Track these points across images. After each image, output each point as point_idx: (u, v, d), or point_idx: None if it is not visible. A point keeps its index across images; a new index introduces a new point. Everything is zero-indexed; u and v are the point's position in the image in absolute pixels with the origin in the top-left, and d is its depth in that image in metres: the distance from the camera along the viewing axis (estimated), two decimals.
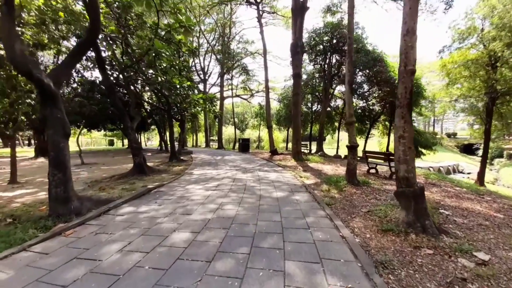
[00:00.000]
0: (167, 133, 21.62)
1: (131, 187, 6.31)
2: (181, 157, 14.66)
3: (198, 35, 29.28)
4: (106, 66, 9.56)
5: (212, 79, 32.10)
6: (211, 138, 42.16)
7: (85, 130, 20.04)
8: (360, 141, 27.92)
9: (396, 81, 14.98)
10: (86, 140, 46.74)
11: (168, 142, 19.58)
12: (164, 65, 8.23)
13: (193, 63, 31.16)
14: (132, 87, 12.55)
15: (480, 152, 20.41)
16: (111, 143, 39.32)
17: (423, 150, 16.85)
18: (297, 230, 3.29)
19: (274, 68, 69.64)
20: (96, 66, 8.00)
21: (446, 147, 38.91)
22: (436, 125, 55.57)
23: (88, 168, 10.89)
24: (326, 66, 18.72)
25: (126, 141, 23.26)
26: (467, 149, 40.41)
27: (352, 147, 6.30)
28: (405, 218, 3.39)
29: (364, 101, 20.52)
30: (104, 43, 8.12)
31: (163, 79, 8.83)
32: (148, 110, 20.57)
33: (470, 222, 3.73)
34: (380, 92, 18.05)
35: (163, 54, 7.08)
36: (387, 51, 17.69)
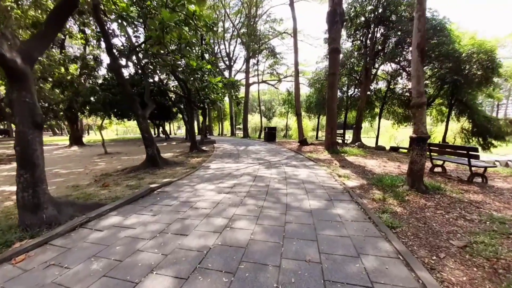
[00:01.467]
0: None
1: (137, 184, 5.46)
2: (203, 147, 13.89)
3: (223, 18, 27.87)
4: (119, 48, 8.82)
5: (238, 65, 30.80)
6: (238, 126, 41.57)
7: (113, 119, 20.50)
8: (406, 130, 24.29)
9: (463, 54, 11.81)
10: (122, 129, 50.05)
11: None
12: (176, 43, 7.12)
13: (219, 49, 30.10)
14: (151, 73, 11.88)
15: None
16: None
17: (494, 142, 13.47)
18: None
19: (305, 49, 64.83)
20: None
21: None
22: (500, 110, 46.76)
23: (108, 159, 10.65)
24: (368, 41, 15.89)
25: (160, 130, 23.89)
26: None
27: (420, 140, 4.46)
28: None
29: None
30: (116, 24, 7.27)
31: (176, 60, 7.78)
32: (172, 98, 20.27)
33: None
34: (437, 69, 14.75)
35: (172, 28, 5.92)
36: (452, 18, 14.14)
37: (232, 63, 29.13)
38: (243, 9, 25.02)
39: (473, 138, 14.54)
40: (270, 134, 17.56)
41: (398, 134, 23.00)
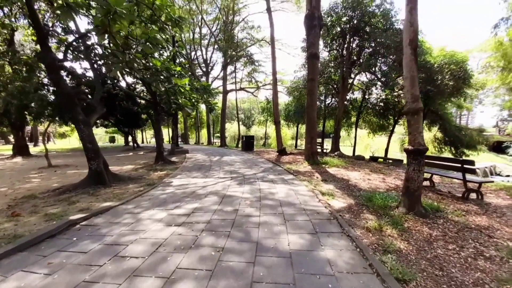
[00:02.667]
0: (168, 130, 19.47)
1: (61, 212, 4.06)
2: (173, 158, 12.44)
3: (200, 24, 26.95)
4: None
5: (216, 72, 29.80)
6: (216, 135, 40.05)
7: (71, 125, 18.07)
8: (381, 139, 24.87)
9: (435, 65, 12.02)
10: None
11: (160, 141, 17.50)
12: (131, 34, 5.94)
13: (195, 56, 28.94)
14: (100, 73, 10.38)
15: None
16: (111, 140, 37.87)
17: (466, 151, 13.87)
18: None
19: (283, 58, 65.89)
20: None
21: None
22: (461, 120, 51.05)
23: (49, 173, 8.80)
24: (344, 51, 15.91)
25: (130, 138, 21.38)
26: (497, 147, 36.41)
27: (417, 153, 3.74)
28: None
29: (389, 92, 17.59)
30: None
31: (136, 58, 6.55)
32: (140, 104, 18.52)
33: None
34: None
35: (120, 14, 4.77)
36: (423, 30, 14.69)
37: (209, 70, 28.06)
38: (220, 16, 24.35)
39: (446, 148, 14.92)
40: (247, 144, 16.57)
41: (374, 143, 23.43)
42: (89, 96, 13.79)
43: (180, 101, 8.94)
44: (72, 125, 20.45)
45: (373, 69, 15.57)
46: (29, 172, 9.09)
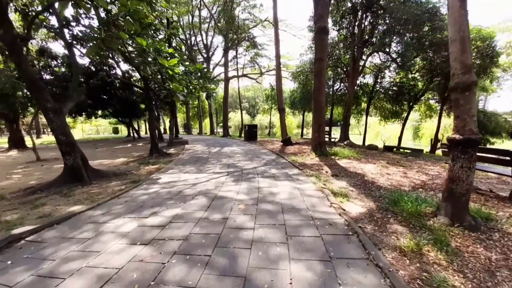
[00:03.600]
0: (168, 119, 18.68)
1: (20, 219, 3.36)
2: (170, 149, 11.71)
3: (199, 5, 25.34)
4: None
5: (217, 58, 28.43)
6: (220, 124, 39.13)
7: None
8: (392, 126, 23.40)
9: None
10: (90, 128, 45.68)
11: (157, 131, 16.70)
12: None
13: (195, 41, 27.53)
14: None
15: None
16: (115, 131, 37.51)
17: (491, 138, 12.57)
18: None
19: (288, 41, 62.57)
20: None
21: None
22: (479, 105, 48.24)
23: (34, 168, 8.19)
24: (356, 29, 14.40)
25: (132, 128, 20.72)
26: None
27: (469, 143, 2.73)
28: None
29: (404, 74, 16.11)
30: None
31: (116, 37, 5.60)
32: (138, 93, 17.67)
33: None
34: (428, 60, 13.60)
35: None
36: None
37: (210, 55, 26.73)
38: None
39: None
40: (250, 133, 15.65)
41: (385, 131, 22.11)
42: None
43: (171, 86, 8.02)
44: (74, 116, 19.93)
45: (388, 49, 14.08)
46: (15, 167, 8.51)
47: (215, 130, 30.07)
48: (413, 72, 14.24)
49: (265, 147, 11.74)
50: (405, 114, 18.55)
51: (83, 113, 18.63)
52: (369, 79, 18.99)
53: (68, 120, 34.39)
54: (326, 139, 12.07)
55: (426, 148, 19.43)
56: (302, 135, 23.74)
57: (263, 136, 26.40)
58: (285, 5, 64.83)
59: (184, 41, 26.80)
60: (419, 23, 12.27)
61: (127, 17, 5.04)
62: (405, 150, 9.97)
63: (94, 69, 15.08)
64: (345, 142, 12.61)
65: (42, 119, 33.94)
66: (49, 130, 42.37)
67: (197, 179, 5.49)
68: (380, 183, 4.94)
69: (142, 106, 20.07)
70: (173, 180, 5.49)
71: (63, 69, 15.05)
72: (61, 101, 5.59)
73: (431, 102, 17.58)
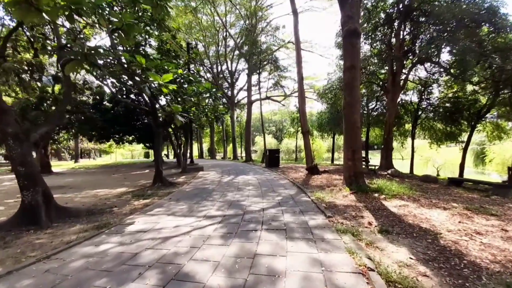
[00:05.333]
0: (187, 144, 18.22)
1: None
2: (181, 177, 10.59)
3: (224, 35, 26.30)
4: None
5: (241, 82, 28.53)
6: (253, 149, 38.21)
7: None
8: (448, 150, 19.41)
9: None
10: (127, 153, 48.71)
11: (174, 156, 15.86)
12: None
13: (220, 69, 28.23)
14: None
15: None
16: (146, 155, 39.23)
17: None
18: None
19: (315, 62, 61.57)
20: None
21: None
22: None
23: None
24: (393, 39, 12.52)
25: (164, 152, 20.81)
26: None
27: None
28: None
29: (460, 87, 13.25)
30: None
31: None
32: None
33: None
34: (493, 69, 10.81)
35: None
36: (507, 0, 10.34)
37: (234, 80, 26.86)
38: (243, 22, 23.07)
39: None
40: (271, 159, 13.93)
41: (437, 156, 18.32)
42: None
43: (171, 107, 7.01)
44: (101, 142, 20.81)
45: (437, 58, 11.72)
46: (15, 196, 8.04)
47: (239, 155, 29.03)
48: (474, 84, 11.43)
49: (286, 176, 9.85)
50: (463, 136, 15.11)
51: (110, 139, 19.25)
52: (412, 96, 16.31)
53: (102, 146, 37.14)
54: (363, 167, 9.73)
55: (500, 178, 15.24)
56: (332, 160, 21.12)
57: (289, 161, 24.36)
58: (311, 28, 65.04)
59: (210, 69, 27.67)
60: (476, 25, 9.96)
61: (119, 31, 4.12)
62: (480, 184, 7.14)
63: (120, 96, 15.52)
64: (389, 171, 10.04)
65: (85, 145, 37.04)
66: (90, 153, 46.36)
67: (176, 228, 3.90)
68: (473, 255, 2.76)
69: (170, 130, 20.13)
70: (145, 228, 3.99)
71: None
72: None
73: (500, 120, 13.99)
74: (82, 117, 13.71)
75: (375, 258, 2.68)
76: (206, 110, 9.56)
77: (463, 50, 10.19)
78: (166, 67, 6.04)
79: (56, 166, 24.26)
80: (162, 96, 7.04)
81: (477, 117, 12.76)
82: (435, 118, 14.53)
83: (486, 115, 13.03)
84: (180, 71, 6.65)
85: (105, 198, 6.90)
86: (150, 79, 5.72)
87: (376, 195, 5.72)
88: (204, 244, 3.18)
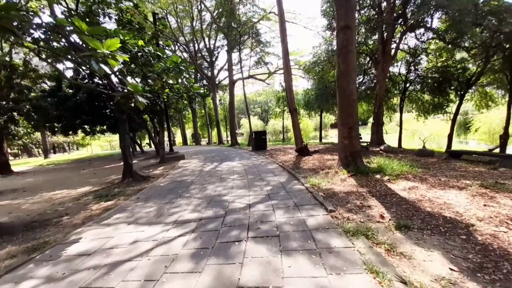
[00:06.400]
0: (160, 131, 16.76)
1: None
2: (160, 167, 9.45)
3: (199, 8, 23.69)
4: None
5: (222, 61, 26.49)
6: (239, 132, 36.95)
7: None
8: (433, 122, 19.36)
9: None
10: (102, 144, 45.80)
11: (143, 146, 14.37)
12: None
13: (198, 47, 25.85)
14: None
15: None
16: None
17: None
18: None
19: (299, 36, 57.84)
20: None
21: None
22: None
23: None
24: (384, 3, 11.40)
25: (134, 143, 18.93)
26: None
27: None
28: None
29: (450, 55, 12.66)
30: None
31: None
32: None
33: None
34: (485, 33, 10.14)
35: None
36: None
37: (214, 59, 24.83)
38: None
39: None
40: (258, 141, 12.99)
41: (424, 129, 18.29)
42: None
43: (128, 86, 5.66)
44: (67, 134, 18.66)
45: (430, 24, 10.85)
46: None
47: (224, 139, 27.85)
48: (467, 49, 10.80)
49: (275, 160, 9.01)
50: (451, 107, 14.90)
51: (78, 130, 17.26)
52: (400, 68, 15.65)
53: (75, 138, 34.29)
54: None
55: (486, 146, 15.48)
56: (320, 139, 20.60)
57: (276, 142, 23.63)
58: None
59: (186, 47, 25.23)
60: None
61: None
62: (484, 156, 6.68)
63: (78, 80, 13.46)
64: (382, 147, 9.50)
65: (55, 138, 33.92)
66: (61, 148, 42.82)
67: (133, 245, 2.92)
68: None
69: (146, 117, 18.30)
70: (91, 248, 2.98)
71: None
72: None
73: (488, 89, 13.79)
74: (27, 106, 11.74)
75: (406, 278, 1.89)
76: (181, 90, 8.22)
77: (459, 11, 9.38)
78: (120, 37, 4.63)
79: (23, 164, 21.93)
80: (118, 73, 5.67)
81: (467, 86, 12.39)
82: (424, 90, 14.05)
83: (476, 83, 12.69)
84: (141, 42, 5.24)
85: (59, 202, 5.71)
86: (97, 50, 4.27)
87: (378, 176, 5.01)
88: (167, 272, 2.25)
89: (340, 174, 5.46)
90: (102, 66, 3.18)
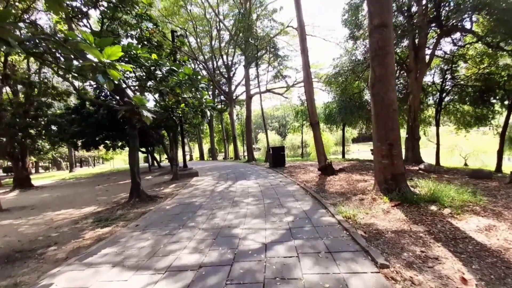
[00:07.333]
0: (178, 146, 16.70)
1: None
2: (171, 185, 8.87)
3: (218, 27, 24.40)
4: None
5: (239, 77, 26.63)
6: (256, 147, 36.43)
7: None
8: (474, 136, 17.16)
9: None
10: (125, 158, 47.48)
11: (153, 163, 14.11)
12: None
13: (216, 64, 26.36)
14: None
15: None
16: (146, 160, 37.81)
17: None
18: None
19: (317, 49, 55.53)
20: None
21: None
22: None
23: None
24: (415, 7, 10.44)
25: (152, 158, 19.16)
26: None
27: None
28: None
29: (493, 61, 11.13)
30: None
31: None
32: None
33: None
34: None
35: None
36: None
37: (231, 75, 25.01)
38: (239, 12, 21.08)
39: None
40: (276, 158, 12.08)
41: (464, 144, 16.16)
42: None
43: (134, 100, 5.21)
44: (88, 150, 19.22)
45: (469, 26, 9.64)
46: None
47: (240, 154, 27.25)
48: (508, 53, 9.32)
49: (295, 179, 8.01)
50: (497, 119, 13.01)
51: (100, 145, 17.68)
52: (434, 76, 14.17)
53: (100, 152, 35.86)
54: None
55: None
56: (343, 155, 19.13)
57: (295, 158, 22.48)
58: (312, 4, 57.26)
59: (205, 65, 25.80)
60: None
61: None
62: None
63: (97, 98, 13.82)
64: (421, 166, 8.10)
65: (81, 152, 35.73)
66: (87, 162, 45.01)
67: None
68: None
69: (163, 133, 18.46)
70: None
71: None
72: None
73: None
74: (42, 122, 12.22)
75: None
76: (195, 104, 7.76)
77: (503, 10, 8.16)
78: (134, 51, 4.21)
79: (48, 177, 22.90)
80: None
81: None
82: (465, 99, 12.45)
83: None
84: (154, 56, 4.78)
85: (57, 226, 5.20)
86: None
87: (434, 208, 3.85)
88: None
89: (380, 203, 4.36)
90: (110, 78, 2.62)
